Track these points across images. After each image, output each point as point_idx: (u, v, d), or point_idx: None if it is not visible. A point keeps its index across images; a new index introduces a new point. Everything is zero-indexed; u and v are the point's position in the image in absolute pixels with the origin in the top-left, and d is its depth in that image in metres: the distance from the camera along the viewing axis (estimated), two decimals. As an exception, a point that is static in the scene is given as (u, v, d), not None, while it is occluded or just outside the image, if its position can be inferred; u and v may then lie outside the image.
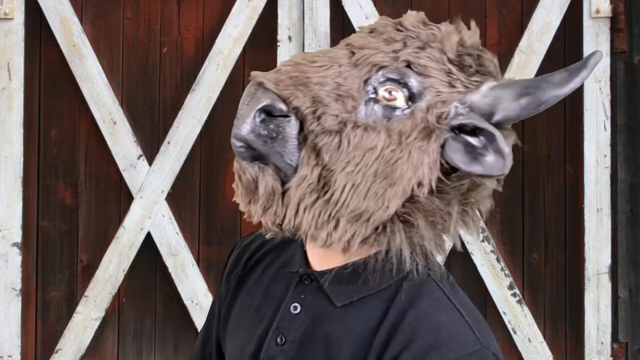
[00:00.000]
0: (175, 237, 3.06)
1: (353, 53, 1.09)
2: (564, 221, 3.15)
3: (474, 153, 1.08)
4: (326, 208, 1.06)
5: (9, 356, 3.06)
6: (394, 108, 1.07)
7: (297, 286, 1.18)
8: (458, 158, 1.08)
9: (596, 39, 3.09)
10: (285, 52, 3.05)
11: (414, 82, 1.08)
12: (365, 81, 1.08)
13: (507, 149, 1.08)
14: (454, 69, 1.10)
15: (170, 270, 3.06)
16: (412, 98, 1.08)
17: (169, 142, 3.06)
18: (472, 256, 3.09)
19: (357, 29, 1.15)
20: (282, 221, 1.08)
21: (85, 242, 3.12)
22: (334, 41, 3.01)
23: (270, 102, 1.05)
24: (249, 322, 1.23)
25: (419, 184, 1.08)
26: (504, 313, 3.09)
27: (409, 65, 1.09)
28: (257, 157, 1.08)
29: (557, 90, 1.09)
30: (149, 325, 3.13)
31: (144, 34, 3.14)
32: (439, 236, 1.13)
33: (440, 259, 1.18)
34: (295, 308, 1.16)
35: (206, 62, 3.04)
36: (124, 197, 3.11)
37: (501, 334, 3.11)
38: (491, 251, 3.09)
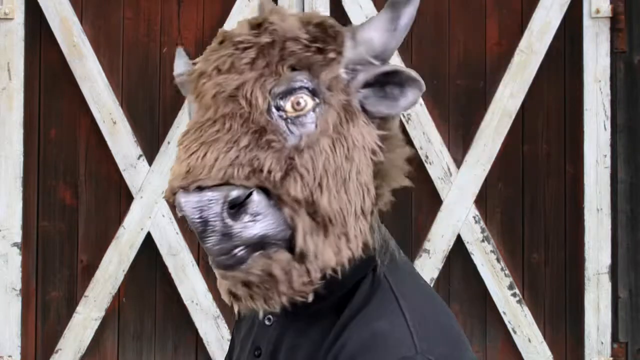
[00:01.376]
0: (175, 237, 3.06)
1: (233, 97, 1.05)
2: (564, 221, 3.15)
3: (391, 95, 1.09)
4: (333, 234, 1.05)
5: (9, 356, 3.06)
6: (311, 111, 1.06)
7: None
8: (384, 107, 1.09)
9: (596, 39, 3.09)
10: (285, 52, 3.05)
11: (303, 79, 1.06)
12: (268, 111, 1.05)
13: (411, 71, 1.10)
14: (318, 45, 1.08)
15: (170, 270, 3.06)
16: (315, 93, 1.07)
17: (169, 142, 3.06)
18: (472, 256, 3.09)
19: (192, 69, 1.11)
20: (312, 276, 1.06)
21: (85, 242, 3.13)
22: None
23: (232, 196, 0.99)
24: (241, 348, 1.26)
25: (373, 152, 1.09)
26: (504, 313, 3.09)
27: (289, 68, 1.07)
28: (253, 249, 1.03)
29: (410, 6, 1.13)
30: (149, 325, 3.13)
31: (144, 34, 3.14)
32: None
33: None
34: (269, 320, 1.18)
35: (206, 62, 3.04)
36: (124, 197, 3.11)
37: (501, 334, 3.11)
38: (491, 251, 3.09)
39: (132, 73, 3.13)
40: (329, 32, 1.10)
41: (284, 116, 1.05)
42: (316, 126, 1.06)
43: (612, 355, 3.09)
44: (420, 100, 3.09)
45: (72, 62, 3.06)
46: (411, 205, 3.15)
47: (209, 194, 0.99)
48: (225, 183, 1.00)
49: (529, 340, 3.10)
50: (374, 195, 1.10)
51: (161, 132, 3.10)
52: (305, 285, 1.06)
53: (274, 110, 1.05)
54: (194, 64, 1.13)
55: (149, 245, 3.07)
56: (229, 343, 1.43)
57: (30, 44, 3.10)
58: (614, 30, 3.09)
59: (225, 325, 3.04)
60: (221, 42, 1.10)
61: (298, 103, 1.06)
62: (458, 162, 3.11)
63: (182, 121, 3.05)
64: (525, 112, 3.14)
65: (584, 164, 3.10)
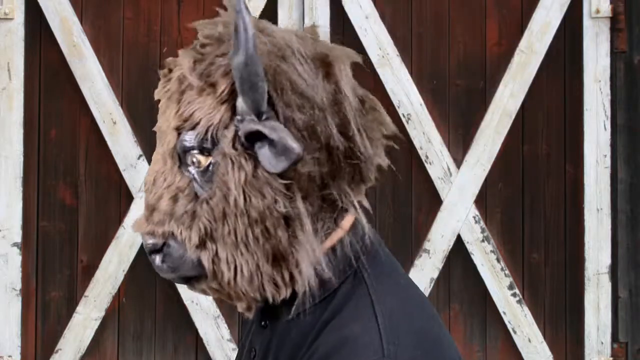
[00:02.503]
0: (175, 237, 3.05)
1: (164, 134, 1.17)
2: (564, 221, 3.15)
3: (269, 152, 1.09)
4: (246, 273, 1.13)
5: (9, 356, 3.06)
6: (208, 166, 1.11)
7: (267, 303, 1.20)
8: (268, 165, 1.09)
9: (596, 39, 3.09)
10: (285, 52, 3.05)
11: (187, 140, 1.11)
12: (179, 168, 1.14)
13: (278, 135, 1.07)
14: (209, 90, 1.12)
15: (170, 270, 3.06)
16: (205, 151, 1.11)
17: (169, 142, 3.06)
18: (472, 256, 3.09)
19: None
20: (246, 291, 1.14)
21: (85, 242, 3.13)
22: (334, 41, 3.00)
23: (152, 243, 1.17)
24: (241, 351, 1.31)
25: (273, 199, 1.11)
26: (504, 313, 3.09)
27: (178, 128, 1.13)
28: (181, 278, 1.18)
29: (240, 54, 1.08)
30: (149, 325, 3.13)
31: (144, 34, 3.14)
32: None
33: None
34: (265, 323, 1.22)
35: (206, 62, 3.04)
36: (124, 197, 3.11)
37: (501, 334, 3.11)
38: (491, 251, 3.09)
39: (132, 73, 3.13)
40: (218, 73, 1.12)
41: (196, 170, 1.12)
42: (217, 177, 1.10)
43: (612, 355, 3.09)
44: (420, 100, 3.10)
45: (72, 62, 3.06)
46: (411, 205, 3.15)
47: (148, 241, 1.18)
48: (151, 233, 1.17)
49: (529, 340, 3.10)
50: (281, 236, 1.11)
51: (161, 132, 3.10)
52: (246, 297, 1.14)
53: (190, 163, 1.13)
54: None
55: (149, 245, 3.07)
56: (228, 343, 1.46)
57: (30, 44, 3.09)
58: (614, 30, 3.09)
59: (225, 326, 3.04)
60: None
61: (194, 160, 1.12)
62: (458, 162, 3.11)
63: (182, 121, 3.05)
64: (525, 112, 3.14)
65: (584, 164, 3.10)
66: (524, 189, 3.17)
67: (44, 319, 3.12)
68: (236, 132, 1.09)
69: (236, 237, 1.10)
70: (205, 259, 1.12)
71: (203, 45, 1.20)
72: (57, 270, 3.12)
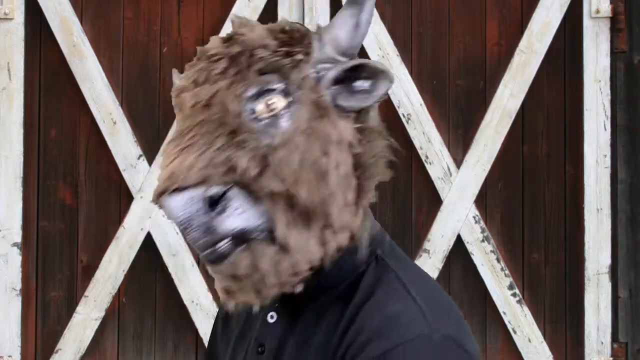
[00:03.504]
0: (175, 237, 3.06)
1: (208, 106, 1.11)
2: (564, 221, 3.15)
3: (361, 88, 1.13)
4: (316, 226, 1.10)
5: (9, 356, 3.06)
6: (282, 111, 1.11)
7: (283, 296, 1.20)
8: (355, 101, 1.13)
9: (596, 39, 3.09)
10: (285, 52, 3.05)
11: (272, 80, 1.11)
12: (242, 114, 1.10)
13: (377, 63, 1.14)
14: (286, 49, 1.13)
15: (170, 270, 3.06)
16: (286, 93, 1.11)
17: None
18: (472, 256, 3.09)
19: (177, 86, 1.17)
20: (298, 267, 1.10)
21: (85, 242, 3.12)
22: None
23: (210, 193, 1.06)
24: (234, 348, 1.27)
25: (350, 145, 1.12)
26: (504, 313, 3.09)
27: (257, 73, 1.12)
28: (236, 243, 1.08)
29: (369, 1, 1.16)
30: (149, 325, 3.13)
31: (144, 34, 3.14)
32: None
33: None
34: (272, 317, 1.20)
35: (206, 62, 3.04)
36: (124, 197, 3.11)
37: (501, 334, 3.11)
38: (491, 251, 3.09)
39: (132, 73, 3.13)
40: (295, 36, 1.15)
41: (257, 117, 1.10)
42: (289, 124, 1.10)
43: (612, 355, 3.09)
44: (420, 100, 3.10)
45: (72, 62, 3.06)
46: (411, 205, 3.15)
47: (188, 194, 1.06)
48: (203, 182, 1.06)
49: (529, 340, 3.10)
50: (355, 187, 1.14)
51: (161, 132, 3.10)
52: (292, 276, 1.10)
53: (247, 112, 1.10)
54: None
55: (149, 245, 3.07)
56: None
57: (30, 44, 3.10)
58: (614, 30, 3.09)
59: (225, 325, 3.04)
60: (199, 58, 1.16)
61: (269, 104, 1.10)
62: (458, 162, 3.11)
63: (182, 121, 3.05)
64: (525, 112, 3.14)
65: (584, 164, 3.10)
66: (524, 189, 3.17)
67: (44, 319, 3.12)
68: (318, 79, 1.13)
69: (316, 182, 1.08)
70: (280, 210, 1.07)
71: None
72: (57, 270, 3.12)
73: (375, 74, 1.13)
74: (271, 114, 1.10)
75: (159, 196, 1.09)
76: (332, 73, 1.13)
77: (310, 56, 1.14)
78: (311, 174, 1.08)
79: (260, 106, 1.10)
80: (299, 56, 1.13)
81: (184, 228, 1.07)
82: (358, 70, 1.13)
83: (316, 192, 1.09)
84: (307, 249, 1.10)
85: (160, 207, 1.10)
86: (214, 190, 1.06)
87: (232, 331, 1.30)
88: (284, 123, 1.10)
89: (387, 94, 1.14)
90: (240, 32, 1.15)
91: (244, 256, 1.08)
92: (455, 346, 1.11)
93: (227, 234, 1.07)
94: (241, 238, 1.08)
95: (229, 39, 1.15)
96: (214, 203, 1.06)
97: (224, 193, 1.06)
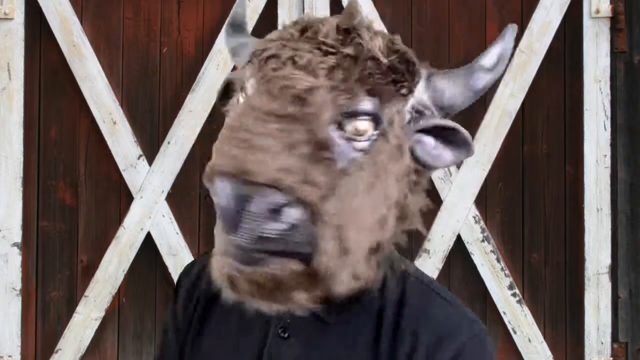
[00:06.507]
0: (175, 237, 3.06)
1: (301, 98, 1.00)
2: (564, 221, 3.15)
3: (440, 148, 1.11)
4: (350, 262, 1.04)
5: (9, 356, 3.06)
6: (367, 139, 1.04)
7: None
8: (430, 159, 1.11)
9: (596, 39, 3.09)
10: (285, 52, 3.05)
11: (370, 105, 1.03)
12: (330, 126, 1.02)
13: (467, 134, 1.10)
14: (395, 76, 1.07)
15: (170, 270, 3.06)
16: (377, 122, 1.05)
17: (169, 142, 3.06)
18: (472, 256, 3.09)
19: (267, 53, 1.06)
20: (320, 296, 1.04)
21: (85, 242, 3.13)
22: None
23: (277, 201, 0.96)
24: (233, 350, 1.20)
25: (405, 195, 1.12)
26: (504, 313, 3.09)
27: (363, 90, 1.04)
28: (271, 254, 1.00)
29: (491, 74, 1.12)
30: (149, 325, 3.14)
31: (144, 34, 3.14)
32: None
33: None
34: (284, 332, 1.15)
35: (206, 62, 3.04)
36: (124, 197, 3.11)
37: (501, 334, 3.11)
38: (491, 251, 3.09)
39: (132, 73, 3.13)
40: (408, 67, 1.09)
41: (343, 136, 1.03)
42: (366, 156, 1.03)
43: (612, 355, 3.09)
44: (420, 100, 3.09)
45: (72, 62, 3.06)
46: (411, 205, 3.15)
47: (252, 190, 0.95)
48: (271, 185, 0.95)
49: (529, 340, 3.10)
50: (391, 231, 1.10)
51: (161, 132, 3.10)
52: (307, 300, 1.04)
53: (335, 126, 1.02)
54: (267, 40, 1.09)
55: (149, 245, 3.07)
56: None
57: (30, 44, 3.10)
58: (614, 30, 3.10)
59: (225, 325, 3.04)
60: (302, 33, 1.06)
61: (359, 128, 1.03)
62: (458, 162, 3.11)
63: (182, 121, 3.05)
64: (525, 112, 3.14)
65: (584, 164, 3.10)
66: (524, 189, 3.17)
67: (44, 319, 3.12)
68: (409, 120, 1.09)
69: (369, 222, 1.03)
70: (327, 238, 0.99)
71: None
72: (57, 270, 3.12)
73: (464, 144, 1.10)
74: (356, 137, 1.03)
75: (217, 175, 0.98)
76: (425, 123, 1.09)
77: (412, 94, 1.09)
78: (367, 212, 1.03)
79: (350, 126, 1.02)
80: (404, 90, 1.07)
81: (231, 222, 0.97)
82: (447, 130, 1.09)
83: (364, 232, 1.03)
84: (333, 281, 1.03)
85: (212, 184, 0.99)
86: (281, 199, 0.96)
87: (223, 335, 1.22)
88: (363, 152, 1.03)
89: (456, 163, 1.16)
90: (359, 32, 1.07)
91: (273, 269, 1.00)
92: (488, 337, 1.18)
93: (269, 247, 0.99)
94: (280, 254, 1.00)
95: (346, 32, 1.06)
96: (273, 212, 0.96)
97: (285, 205, 0.97)
